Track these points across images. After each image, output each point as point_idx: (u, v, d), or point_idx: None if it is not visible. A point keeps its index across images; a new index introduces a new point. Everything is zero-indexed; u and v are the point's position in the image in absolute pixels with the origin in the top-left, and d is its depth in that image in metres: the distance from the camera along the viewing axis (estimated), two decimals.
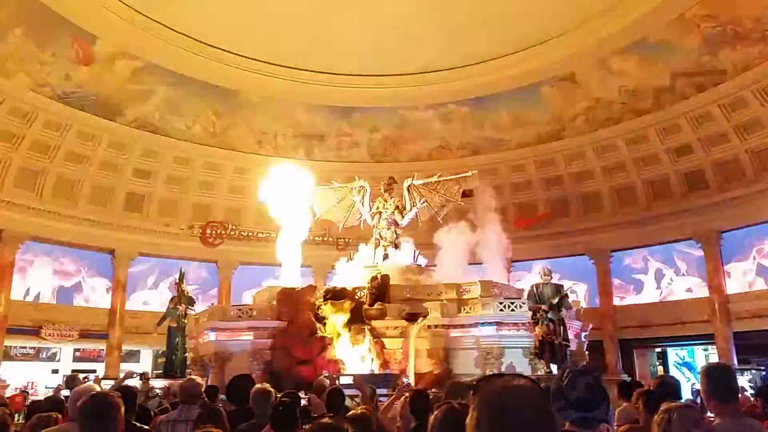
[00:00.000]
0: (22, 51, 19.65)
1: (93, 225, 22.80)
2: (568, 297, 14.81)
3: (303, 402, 5.44)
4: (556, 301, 14.20)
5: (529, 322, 15.08)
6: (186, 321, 18.08)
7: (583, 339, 17.84)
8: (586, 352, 18.04)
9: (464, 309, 16.40)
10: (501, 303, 16.09)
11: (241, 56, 23.22)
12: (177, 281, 18.80)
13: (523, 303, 16.19)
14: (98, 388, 4.05)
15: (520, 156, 25.64)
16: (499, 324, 15.73)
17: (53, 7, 19.02)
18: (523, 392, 1.61)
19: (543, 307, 14.23)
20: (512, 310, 15.97)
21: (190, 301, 18.66)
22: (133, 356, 24.22)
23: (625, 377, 16.96)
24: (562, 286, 15.17)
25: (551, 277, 15.01)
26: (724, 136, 21.24)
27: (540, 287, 14.61)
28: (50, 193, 22.12)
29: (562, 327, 14.19)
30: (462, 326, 16.03)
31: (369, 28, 21.70)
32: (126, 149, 23.53)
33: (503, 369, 14.98)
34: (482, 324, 15.79)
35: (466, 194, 21.93)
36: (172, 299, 18.55)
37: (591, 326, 18.65)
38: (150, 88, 22.91)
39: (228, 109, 24.85)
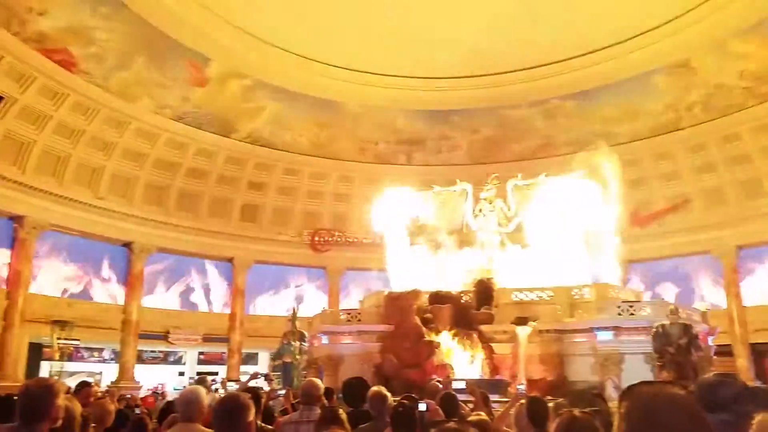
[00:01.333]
0: (144, 77, 21.39)
1: (213, 235, 24.37)
2: (698, 338, 13.32)
3: (421, 407, 5.43)
4: (684, 342, 12.88)
5: (650, 327, 14.18)
6: (300, 357, 17.76)
7: (710, 343, 16.54)
8: (714, 358, 16.71)
9: (578, 313, 15.73)
10: (619, 306, 15.28)
11: (343, 68, 23.88)
12: (290, 318, 18.94)
13: (644, 306, 15.30)
14: (204, 390, 4.21)
15: (633, 150, 24.26)
16: (617, 329, 14.93)
17: (171, 34, 20.54)
18: (675, 399, 1.57)
19: (670, 349, 12.90)
20: (631, 313, 15.12)
21: (302, 337, 18.67)
22: (251, 359, 25.57)
23: (759, 384, 15.49)
24: (690, 326, 13.64)
25: (678, 316, 13.59)
26: None
27: (666, 327, 13.19)
28: (174, 207, 23.90)
29: (692, 371, 12.52)
30: (576, 331, 15.40)
31: (466, 30, 21.53)
32: (241, 163, 24.92)
33: (623, 376, 14.20)
34: (598, 329, 15.06)
35: None
36: (285, 335, 18.63)
37: (719, 329, 17.26)
38: (260, 105, 24.14)
39: (332, 120, 25.63)
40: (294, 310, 19.57)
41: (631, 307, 15.23)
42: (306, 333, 18.27)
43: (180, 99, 22.63)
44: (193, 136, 23.40)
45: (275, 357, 18.22)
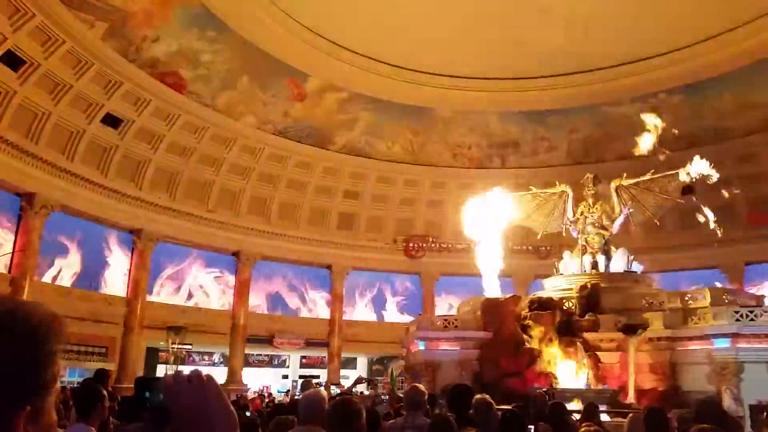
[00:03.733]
0: (248, 95, 22.55)
1: (312, 243, 25.18)
2: None
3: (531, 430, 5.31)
4: None
5: None
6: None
7: None
8: None
9: (692, 319, 14.72)
10: (736, 312, 14.13)
11: (433, 74, 23.93)
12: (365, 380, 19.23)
13: (765, 311, 14.05)
14: (324, 393, 4.33)
15: (750, 144, 22.42)
16: (735, 335, 13.82)
17: (272, 52, 21.51)
18: None
19: None
20: (751, 319, 13.92)
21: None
22: (350, 363, 26.11)
23: None
24: None
25: None
26: None
27: None
28: (276, 217, 24.94)
29: None
30: (690, 339, 14.46)
31: (559, 27, 20.87)
32: (337, 173, 25.61)
33: (743, 386, 13.09)
34: (715, 336, 14.00)
35: (687, 191, 19.77)
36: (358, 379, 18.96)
37: None
38: (354, 116, 24.73)
39: (424, 127, 25.73)
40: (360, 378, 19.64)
41: (751, 312, 14.02)
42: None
43: (281, 114, 23.64)
44: (293, 149, 24.33)
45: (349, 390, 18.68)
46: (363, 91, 23.94)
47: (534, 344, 15.49)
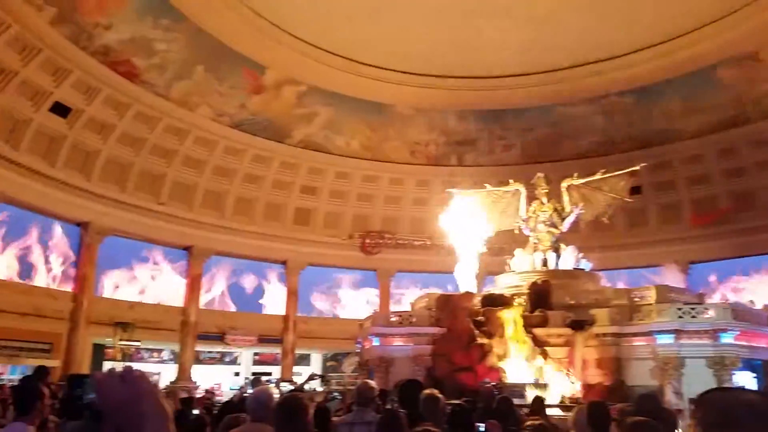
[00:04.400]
0: (203, 86, 22.10)
1: (268, 239, 24.89)
2: None
3: (480, 427, 5.38)
4: None
5: (712, 330, 13.61)
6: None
7: None
8: None
9: (637, 316, 15.21)
10: (680, 309, 14.69)
11: (393, 71, 23.95)
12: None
13: (706, 308, 14.67)
14: (274, 390, 4.31)
15: (696, 146, 23.30)
16: (678, 332, 14.38)
17: (229, 43, 21.14)
18: (755, 406, 1.52)
19: None
20: (693, 316, 14.51)
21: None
22: (304, 359, 25.97)
23: None
24: None
25: None
26: None
27: None
28: (231, 212, 24.56)
29: None
30: (635, 335, 14.94)
31: (517, 27, 21.20)
32: (294, 168, 25.39)
33: (684, 381, 13.64)
34: (659, 332, 14.53)
35: (635, 191, 20.45)
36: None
37: None
38: (313, 110, 24.54)
39: (382, 123, 25.76)
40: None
41: (692, 309, 14.61)
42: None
43: (237, 107, 23.27)
44: (249, 143, 24.00)
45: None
46: (322, 85, 23.76)
47: (485, 339, 15.77)
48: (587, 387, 14.44)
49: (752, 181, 22.59)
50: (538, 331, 15.38)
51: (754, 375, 15.64)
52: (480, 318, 16.24)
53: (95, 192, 20.85)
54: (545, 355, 15.26)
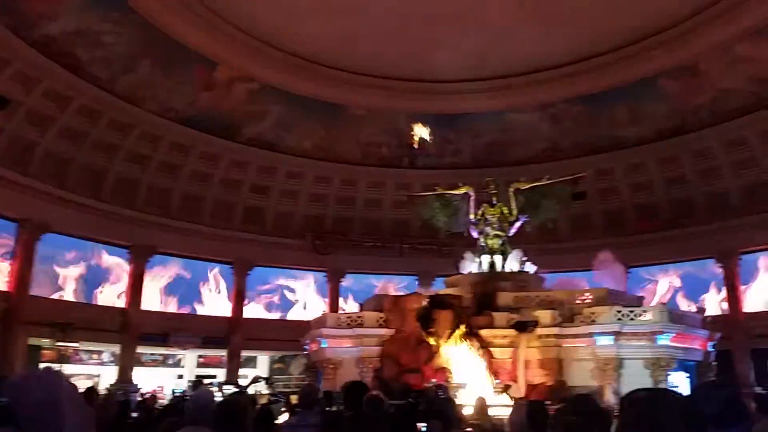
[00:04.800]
0: (150, 80, 21.53)
1: (215, 238, 24.36)
2: None
3: (422, 428, 5.41)
4: None
5: (650, 332, 14.12)
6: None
7: (710, 349, 16.41)
8: (714, 363, 16.57)
9: (578, 318, 15.62)
10: (619, 312, 15.17)
11: (347, 71, 23.93)
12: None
13: (644, 311, 15.20)
14: (214, 393, 4.22)
15: (639, 154, 24.16)
16: (617, 334, 14.83)
17: (179, 38, 20.67)
18: (675, 405, 1.60)
19: None
20: (631, 319, 15.01)
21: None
22: (251, 362, 25.55)
23: (760, 390, 15.36)
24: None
25: None
26: None
27: None
28: (177, 210, 23.95)
29: None
30: (576, 336, 15.29)
31: (469, 34, 21.48)
32: (244, 166, 24.99)
33: (622, 381, 14.10)
34: (599, 334, 14.96)
35: (579, 197, 21.02)
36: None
37: (719, 335, 17.10)
38: (265, 108, 24.23)
39: (336, 124, 25.68)
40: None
41: (631, 312, 15.11)
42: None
43: (186, 102, 22.77)
44: (198, 139, 23.51)
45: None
46: (274, 83, 23.51)
47: (433, 341, 15.90)
48: (530, 387, 14.73)
49: (691, 188, 23.56)
50: (483, 332, 15.60)
51: (687, 375, 16.33)
52: (428, 319, 16.35)
53: (33, 187, 19.98)
54: (490, 355, 15.50)
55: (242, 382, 19.59)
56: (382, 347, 16.41)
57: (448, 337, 15.73)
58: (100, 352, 22.71)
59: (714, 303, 22.86)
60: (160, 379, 22.86)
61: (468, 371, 14.99)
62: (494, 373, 15.16)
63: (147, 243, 23.05)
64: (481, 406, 9.49)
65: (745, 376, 20.54)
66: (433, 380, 14.24)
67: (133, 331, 21.99)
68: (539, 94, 24.26)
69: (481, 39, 21.74)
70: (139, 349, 22.70)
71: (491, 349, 15.54)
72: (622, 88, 22.90)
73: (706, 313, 17.14)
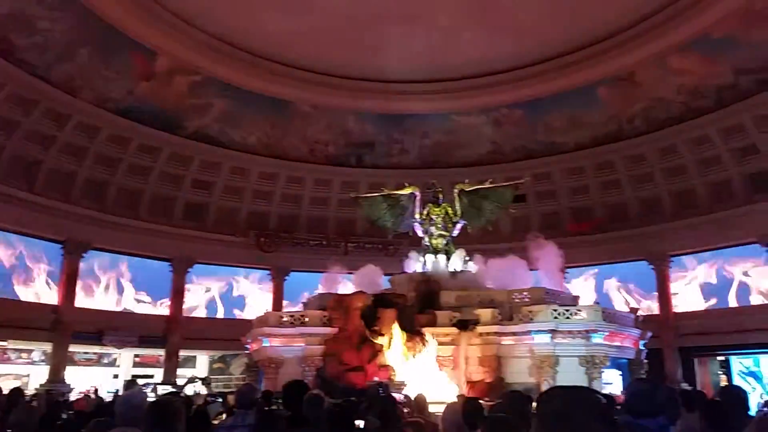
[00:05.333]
0: (87, 69, 20.68)
1: (154, 234, 23.62)
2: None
3: (359, 424, 5.44)
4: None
5: (585, 330, 14.68)
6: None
7: (641, 347, 17.20)
8: (645, 361, 17.37)
9: (517, 316, 16.06)
10: (555, 310, 15.68)
11: (295, 67, 23.72)
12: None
13: (579, 310, 15.76)
14: (147, 393, 4.14)
15: (576, 159, 25.02)
16: (553, 332, 15.32)
17: (116, 26, 19.95)
18: (585, 402, 1.62)
19: None
20: (567, 317, 15.54)
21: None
22: (189, 361, 24.95)
23: (686, 386, 16.22)
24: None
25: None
26: None
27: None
28: (113, 204, 23.10)
29: None
30: (515, 334, 15.71)
31: (419, 35, 21.71)
32: (186, 161, 24.36)
33: (558, 378, 14.58)
34: (536, 332, 15.42)
35: (519, 200, 21.63)
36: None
37: (650, 334, 17.94)
38: (208, 102, 23.69)
39: (282, 120, 25.39)
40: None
41: (567, 311, 15.65)
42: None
43: (124, 93, 22.02)
44: (136, 131, 22.75)
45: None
46: (219, 76, 23.03)
47: (377, 339, 16.00)
48: (471, 384, 15.03)
49: (625, 193, 24.59)
50: (426, 330, 15.82)
51: (620, 373, 17.06)
52: (372, 318, 16.44)
53: None
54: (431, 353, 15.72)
55: (180, 382, 19.14)
56: (325, 346, 16.38)
57: (392, 336, 15.89)
58: (30, 351, 21.65)
59: (646, 303, 23.94)
60: (95, 379, 22.01)
61: (411, 369, 15.18)
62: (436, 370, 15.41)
63: (81, 238, 22.13)
64: (421, 403, 9.64)
65: (673, 374, 21.66)
66: (376, 378, 14.35)
67: (65, 328, 21.05)
68: (484, 98, 24.74)
69: (429, 41, 22.01)
70: (72, 348, 21.78)
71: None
72: (562, 95, 23.64)
73: (639, 313, 17.88)
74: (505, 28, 21.40)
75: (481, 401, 6.37)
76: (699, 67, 21.01)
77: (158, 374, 22.75)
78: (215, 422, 6.90)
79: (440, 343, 15.73)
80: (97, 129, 22.00)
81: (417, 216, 19.92)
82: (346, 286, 19.44)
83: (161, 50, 21.56)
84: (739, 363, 22.24)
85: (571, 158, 25.10)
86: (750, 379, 21.18)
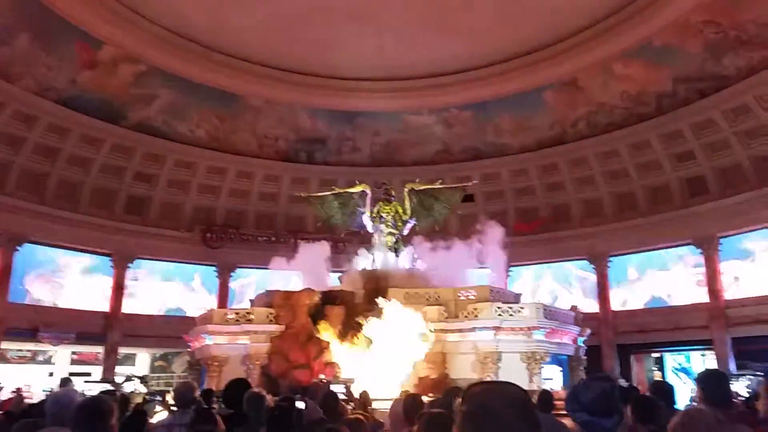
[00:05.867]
0: (28, 55, 19.81)
1: (94, 228, 22.81)
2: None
3: (299, 405, 5.44)
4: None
5: (526, 327, 15.07)
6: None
7: (581, 344, 17.75)
8: (584, 358, 17.94)
9: (462, 313, 16.30)
10: (499, 308, 15.99)
11: (246, 60, 23.36)
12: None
13: (522, 307, 16.12)
14: (79, 392, 4.01)
15: (522, 161, 25.61)
16: (497, 329, 15.62)
17: (59, 12, 19.17)
18: (508, 397, 1.64)
19: None
20: (510, 315, 15.88)
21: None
22: (129, 359, 24.23)
23: (622, 382, 16.82)
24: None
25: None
26: (726, 142, 21.16)
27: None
28: (52, 196, 22.19)
29: None
30: (460, 330, 15.93)
31: (372, 33, 21.73)
32: (129, 152, 23.61)
33: (500, 373, 14.89)
34: (480, 328, 15.69)
35: (468, 200, 21.96)
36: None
37: (589, 331, 18.54)
38: (153, 92, 23.05)
39: (231, 113, 24.96)
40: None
41: (510, 308, 15.99)
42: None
43: (66, 81, 21.17)
44: (78, 121, 21.91)
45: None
46: (165, 67, 22.43)
47: (324, 336, 15.94)
48: (417, 380, 15.15)
49: (568, 195, 25.32)
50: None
51: (560, 369, 17.57)
52: (319, 315, 16.38)
53: None
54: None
55: (119, 380, 18.56)
56: (271, 344, 16.21)
57: (340, 333, 15.87)
58: None
59: (586, 302, 24.69)
60: (29, 377, 21.09)
61: (358, 366, 15.20)
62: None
63: (17, 230, 21.15)
64: (365, 400, 9.69)
65: (610, 369, 22.48)
66: (322, 375, 14.31)
67: None
68: (434, 98, 25.00)
69: (381, 40, 22.07)
70: (5, 345, 20.80)
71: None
72: (510, 98, 24.13)
73: (578, 311, 18.43)
74: (457, 30, 21.66)
75: (423, 397, 6.50)
76: (641, 74, 21.83)
77: (97, 372, 22.00)
78: (153, 421, 6.77)
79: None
80: (35, 118, 21.07)
81: (367, 213, 19.95)
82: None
83: (107, 39, 20.84)
84: (672, 360, 23.30)
85: (517, 160, 25.66)
86: (682, 375, 22.21)
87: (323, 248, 19.60)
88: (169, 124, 23.98)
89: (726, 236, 21.60)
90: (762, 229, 20.64)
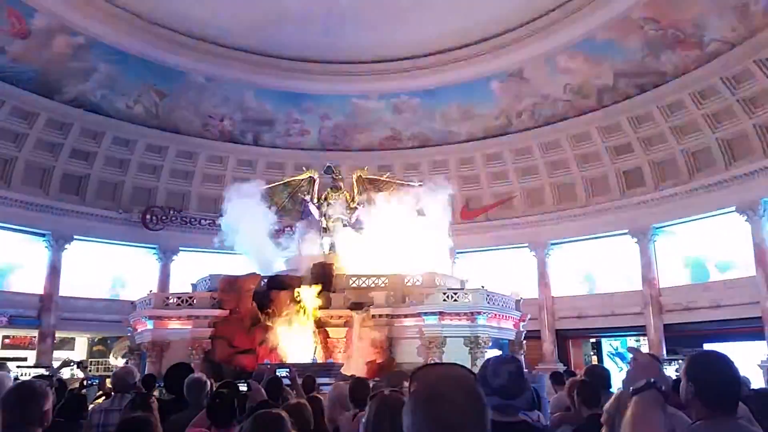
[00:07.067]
0: None
1: (27, 207, 21.72)
2: None
3: (243, 388, 5.42)
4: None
5: (470, 312, 15.47)
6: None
7: (521, 329, 18.30)
8: (524, 342, 18.52)
9: (408, 299, 16.52)
10: (444, 293, 16.29)
11: (187, 36, 22.60)
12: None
13: (466, 293, 16.46)
14: (12, 377, 3.85)
15: (468, 149, 25.97)
16: (441, 314, 15.92)
17: None
18: (456, 379, 1.66)
19: None
20: (455, 300, 16.20)
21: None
22: (67, 344, 23.35)
23: (560, 367, 17.49)
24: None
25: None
26: (662, 136, 22.10)
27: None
28: None
29: None
30: (406, 316, 16.16)
31: (318, 15, 21.42)
32: (65, 128, 22.52)
33: (444, 358, 15.19)
34: (425, 314, 15.95)
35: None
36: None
37: (530, 317, 19.13)
38: (90, 66, 22.00)
39: (173, 90, 24.14)
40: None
41: (455, 294, 16.31)
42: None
43: None
44: (9, 94, 20.70)
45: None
46: (104, 39, 21.40)
47: (269, 321, 15.83)
48: (365, 364, 15.29)
49: (512, 183, 25.88)
50: (320, 312, 15.87)
51: (501, 353, 18.07)
52: (265, 300, 16.24)
53: None
54: (326, 335, 15.83)
55: (56, 365, 17.87)
56: (214, 329, 15.98)
57: (285, 318, 15.79)
58: None
59: (527, 288, 25.41)
60: None
61: (303, 351, 15.19)
62: (329, 352, 15.54)
63: None
64: (309, 385, 9.70)
65: (549, 354, 23.33)
66: (266, 360, 14.23)
67: None
68: (382, 83, 24.94)
69: (328, 22, 21.77)
70: None
71: (327, 328, 15.88)
72: (457, 86, 24.36)
73: (519, 297, 18.97)
74: (402, 16, 21.60)
75: (369, 381, 6.59)
76: (584, 67, 22.43)
77: (31, 357, 21.10)
78: (92, 406, 6.63)
79: (334, 326, 15.87)
80: None
81: (315, 199, 19.87)
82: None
83: (40, 6, 19.68)
84: (608, 345, 24.36)
85: (463, 148, 26.00)
86: (617, 359, 23.26)
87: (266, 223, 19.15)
88: (107, 99, 22.98)
89: (660, 227, 22.65)
90: (693, 219, 21.73)
